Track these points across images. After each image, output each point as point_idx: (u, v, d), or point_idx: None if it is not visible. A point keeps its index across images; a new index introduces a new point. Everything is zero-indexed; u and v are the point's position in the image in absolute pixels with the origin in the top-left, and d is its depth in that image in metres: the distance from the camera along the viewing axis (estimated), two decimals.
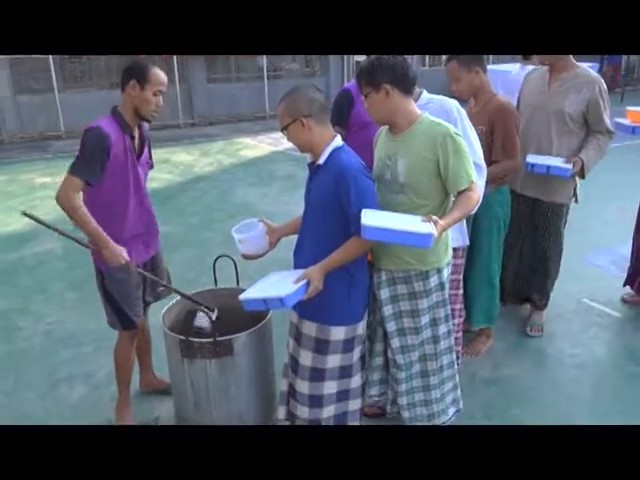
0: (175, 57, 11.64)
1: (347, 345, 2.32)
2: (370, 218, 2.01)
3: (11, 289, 4.50)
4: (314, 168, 2.26)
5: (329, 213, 2.19)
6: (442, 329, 2.45)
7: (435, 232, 1.93)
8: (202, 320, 2.50)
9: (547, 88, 3.34)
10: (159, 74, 2.48)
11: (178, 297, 2.75)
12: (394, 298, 2.38)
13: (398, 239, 2.00)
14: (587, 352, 3.45)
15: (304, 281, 2.12)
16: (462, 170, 2.19)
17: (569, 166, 3.16)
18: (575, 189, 3.45)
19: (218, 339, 2.41)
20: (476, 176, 2.31)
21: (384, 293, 2.38)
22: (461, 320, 3.04)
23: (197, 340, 2.43)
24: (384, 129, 2.43)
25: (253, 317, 2.55)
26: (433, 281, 2.35)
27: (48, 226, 2.40)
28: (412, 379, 2.47)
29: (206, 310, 2.51)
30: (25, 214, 2.40)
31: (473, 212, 2.41)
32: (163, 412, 2.92)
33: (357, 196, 2.10)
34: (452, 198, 2.30)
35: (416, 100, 2.63)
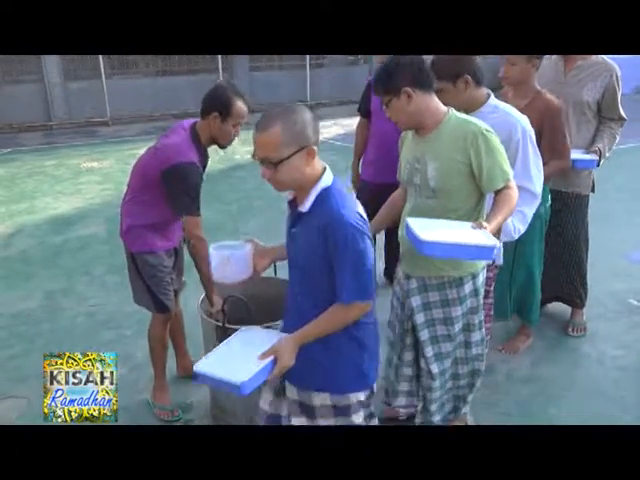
0: None
1: (366, 402, 1.97)
2: (421, 229, 1.84)
3: (57, 270, 4.66)
4: (297, 214, 1.82)
5: (324, 271, 1.77)
6: (475, 336, 2.39)
7: (498, 243, 1.85)
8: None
9: (563, 77, 3.22)
10: (242, 108, 2.51)
11: None
12: (426, 305, 2.31)
13: (461, 254, 1.84)
14: (631, 354, 3.33)
15: (270, 358, 1.75)
16: (497, 168, 2.08)
17: (592, 156, 3.10)
18: (593, 179, 3.36)
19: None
20: (524, 203, 2.25)
21: (415, 301, 2.31)
22: (487, 325, 2.97)
23: (233, 327, 2.45)
24: (410, 131, 2.30)
25: None
26: (467, 287, 2.27)
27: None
28: (445, 384, 2.45)
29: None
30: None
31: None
32: (199, 396, 2.98)
33: (352, 261, 1.70)
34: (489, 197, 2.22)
35: (482, 104, 2.48)
